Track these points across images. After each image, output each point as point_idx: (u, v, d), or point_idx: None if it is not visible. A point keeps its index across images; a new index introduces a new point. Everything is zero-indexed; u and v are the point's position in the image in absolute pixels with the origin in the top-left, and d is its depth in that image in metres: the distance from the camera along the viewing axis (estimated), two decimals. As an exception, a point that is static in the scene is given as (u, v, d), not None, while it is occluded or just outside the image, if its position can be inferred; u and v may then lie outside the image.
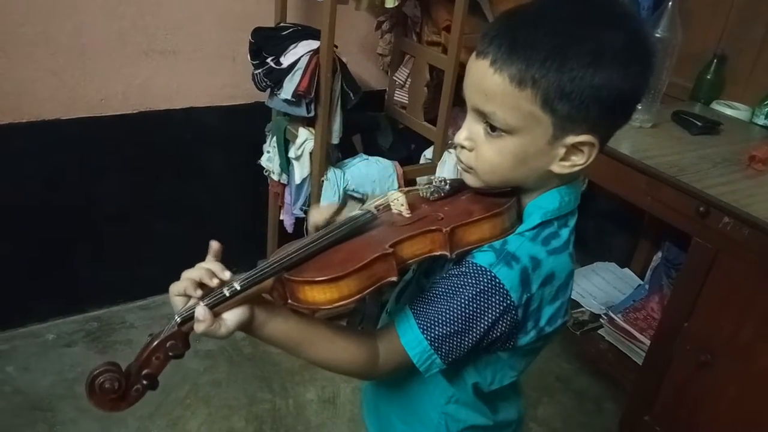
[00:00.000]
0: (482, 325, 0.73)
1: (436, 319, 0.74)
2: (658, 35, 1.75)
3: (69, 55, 1.83)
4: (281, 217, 2.22)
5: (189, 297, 0.68)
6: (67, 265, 2.09)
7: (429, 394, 0.88)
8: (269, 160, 2.12)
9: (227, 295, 0.66)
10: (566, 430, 2.01)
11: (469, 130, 0.76)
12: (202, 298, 0.67)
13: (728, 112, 2.01)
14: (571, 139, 0.72)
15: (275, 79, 1.84)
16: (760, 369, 1.49)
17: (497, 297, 0.73)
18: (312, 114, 1.86)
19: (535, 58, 0.68)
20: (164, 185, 2.15)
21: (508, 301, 0.73)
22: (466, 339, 0.74)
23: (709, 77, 2.05)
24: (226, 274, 0.68)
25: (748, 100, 2.01)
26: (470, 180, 0.79)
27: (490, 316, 0.73)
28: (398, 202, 0.79)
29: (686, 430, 1.69)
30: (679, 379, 1.67)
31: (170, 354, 0.67)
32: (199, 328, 0.66)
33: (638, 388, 1.80)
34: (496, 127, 0.73)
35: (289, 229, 2.18)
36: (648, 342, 1.90)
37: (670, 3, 1.75)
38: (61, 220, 2.01)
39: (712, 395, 1.60)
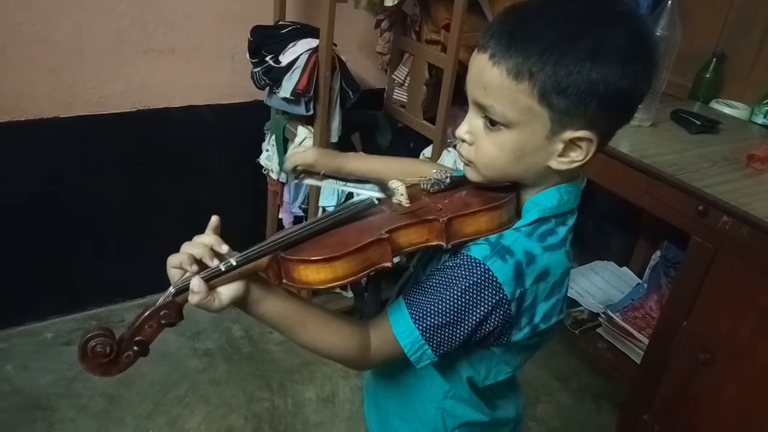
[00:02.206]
0: (474, 318, 0.74)
1: (428, 310, 0.75)
2: (657, 34, 1.75)
3: (68, 54, 1.82)
4: (280, 216, 2.22)
5: (185, 270, 0.69)
6: (66, 263, 2.09)
7: (426, 389, 0.89)
8: (268, 158, 2.12)
9: (223, 269, 0.67)
10: (565, 428, 2.01)
11: (470, 124, 0.77)
12: (197, 271, 0.68)
13: (727, 111, 2.01)
14: (569, 135, 0.72)
15: (274, 77, 1.84)
16: (758, 367, 1.49)
17: (490, 290, 0.73)
18: (311, 112, 1.86)
19: (532, 52, 0.68)
20: (163, 183, 2.15)
21: (501, 295, 0.73)
22: (458, 331, 0.75)
23: (708, 76, 2.05)
24: (224, 248, 0.69)
25: (747, 99, 2.01)
26: (470, 174, 0.80)
27: (482, 308, 0.74)
28: (398, 191, 0.80)
29: (685, 428, 1.69)
30: (678, 377, 1.67)
31: (163, 322, 0.68)
32: (193, 299, 0.67)
33: (637, 387, 1.80)
34: (495, 121, 0.73)
35: (288, 227, 2.19)
36: (646, 341, 1.90)
37: (669, 2, 1.75)
38: (60, 219, 2.01)
39: (710, 394, 1.60)
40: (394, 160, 1.12)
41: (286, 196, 2.14)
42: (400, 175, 0.95)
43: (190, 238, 0.73)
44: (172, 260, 0.70)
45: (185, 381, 1.97)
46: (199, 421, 1.85)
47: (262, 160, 2.15)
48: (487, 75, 0.71)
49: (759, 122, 1.95)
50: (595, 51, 0.68)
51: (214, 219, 0.74)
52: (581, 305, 2.21)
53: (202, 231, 0.74)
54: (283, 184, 2.14)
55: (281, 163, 2.06)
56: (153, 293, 2.38)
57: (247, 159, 2.20)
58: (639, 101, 0.75)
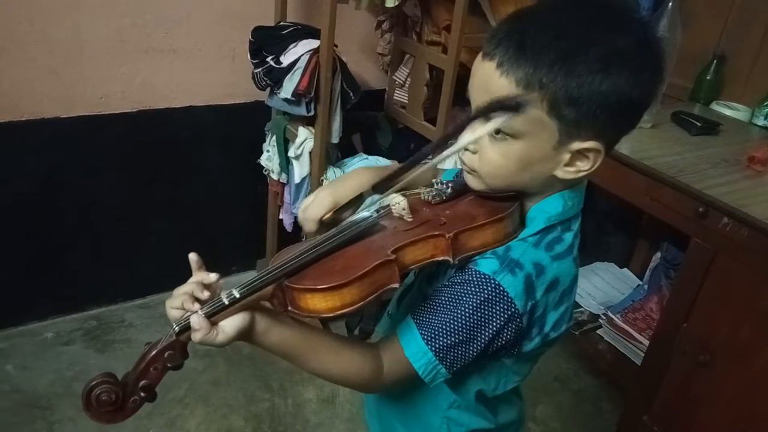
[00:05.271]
0: (487, 334, 0.73)
1: (440, 329, 0.73)
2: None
3: (68, 54, 1.82)
4: (280, 217, 2.22)
5: (186, 310, 0.67)
6: (66, 263, 2.09)
7: (431, 399, 0.87)
8: (269, 159, 2.12)
9: (226, 303, 0.65)
10: (565, 429, 2.01)
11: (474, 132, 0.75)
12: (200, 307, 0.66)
13: (727, 112, 2.01)
14: (577, 145, 0.71)
15: (275, 78, 1.84)
16: (758, 369, 1.49)
17: (501, 305, 0.72)
18: (312, 113, 1.86)
19: (543, 62, 0.66)
20: (163, 184, 2.15)
21: (513, 309, 0.72)
22: (471, 348, 0.73)
23: (708, 78, 2.05)
24: (212, 276, 0.68)
25: (747, 100, 2.01)
26: (473, 183, 0.78)
27: (494, 324, 0.72)
28: (399, 206, 0.77)
29: (684, 430, 1.69)
30: (678, 379, 1.67)
31: (168, 365, 0.67)
32: (195, 336, 0.65)
33: (637, 388, 1.80)
34: (501, 131, 0.71)
35: (289, 228, 2.18)
36: (647, 342, 1.90)
37: (670, 3, 1.75)
38: (60, 219, 2.01)
39: (710, 395, 1.60)
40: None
41: (287, 197, 2.14)
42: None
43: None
44: (171, 302, 0.68)
45: (185, 381, 1.97)
46: (198, 422, 1.85)
47: (263, 160, 2.15)
48: (495, 84, 0.69)
49: (759, 124, 1.95)
50: (606, 61, 0.66)
51: (192, 256, 0.71)
52: (582, 306, 2.21)
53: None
54: (283, 184, 2.13)
55: (282, 163, 2.06)
56: (153, 293, 2.39)
57: (248, 160, 2.20)
58: (646, 109, 0.74)
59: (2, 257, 1.97)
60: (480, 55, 0.72)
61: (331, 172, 1.98)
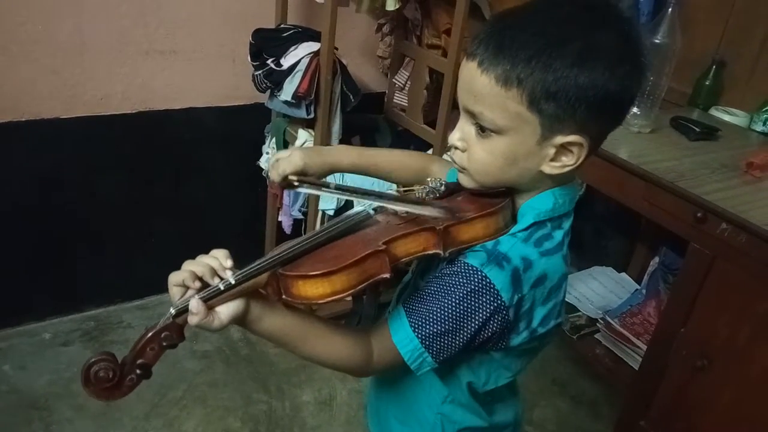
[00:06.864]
0: (473, 325, 0.74)
1: (427, 318, 0.75)
2: (657, 41, 1.76)
3: (69, 54, 1.83)
4: (279, 219, 2.22)
5: (187, 288, 0.69)
6: (64, 264, 2.09)
7: (425, 394, 0.89)
8: (268, 161, 2.13)
9: (222, 288, 0.67)
10: (562, 433, 2.01)
11: (462, 131, 0.77)
12: (198, 291, 0.68)
13: (726, 118, 2.01)
14: (560, 140, 0.72)
15: (275, 80, 1.85)
16: (756, 374, 1.49)
17: (488, 297, 0.73)
18: (312, 115, 1.86)
19: (520, 58, 0.68)
20: (163, 185, 2.15)
21: (499, 302, 0.74)
22: (457, 338, 0.75)
23: (707, 83, 2.05)
24: (229, 263, 0.70)
25: (746, 106, 2.01)
26: (464, 180, 0.80)
27: (480, 315, 0.74)
28: None
29: (682, 435, 1.69)
30: (676, 383, 1.67)
31: (164, 344, 0.69)
32: (192, 320, 0.67)
33: (634, 393, 1.80)
34: (486, 128, 0.73)
35: (288, 230, 2.19)
36: (644, 347, 1.90)
37: (669, 9, 1.76)
38: (59, 219, 2.02)
39: (708, 400, 1.60)
40: (388, 152, 1.08)
41: (286, 199, 2.14)
42: (399, 167, 0.95)
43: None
44: (174, 278, 0.69)
45: (183, 383, 1.97)
46: (196, 423, 1.85)
47: (262, 162, 2.15)
48: (476, 83, 0.71)
49: (758, 130, 1.95)
50: (582, 55, 0.68)
51: (225, 253, 0.73)
52: (579, 311, 2.21)
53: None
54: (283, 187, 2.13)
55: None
56: (151, 294, 2.39)
57: (247, 161, 2.20)
58: (629, 103, 0.75)
59: (1, 257, 1.97)
60: (465, 57, 0.74)
61: (330, 175, 1.98)
